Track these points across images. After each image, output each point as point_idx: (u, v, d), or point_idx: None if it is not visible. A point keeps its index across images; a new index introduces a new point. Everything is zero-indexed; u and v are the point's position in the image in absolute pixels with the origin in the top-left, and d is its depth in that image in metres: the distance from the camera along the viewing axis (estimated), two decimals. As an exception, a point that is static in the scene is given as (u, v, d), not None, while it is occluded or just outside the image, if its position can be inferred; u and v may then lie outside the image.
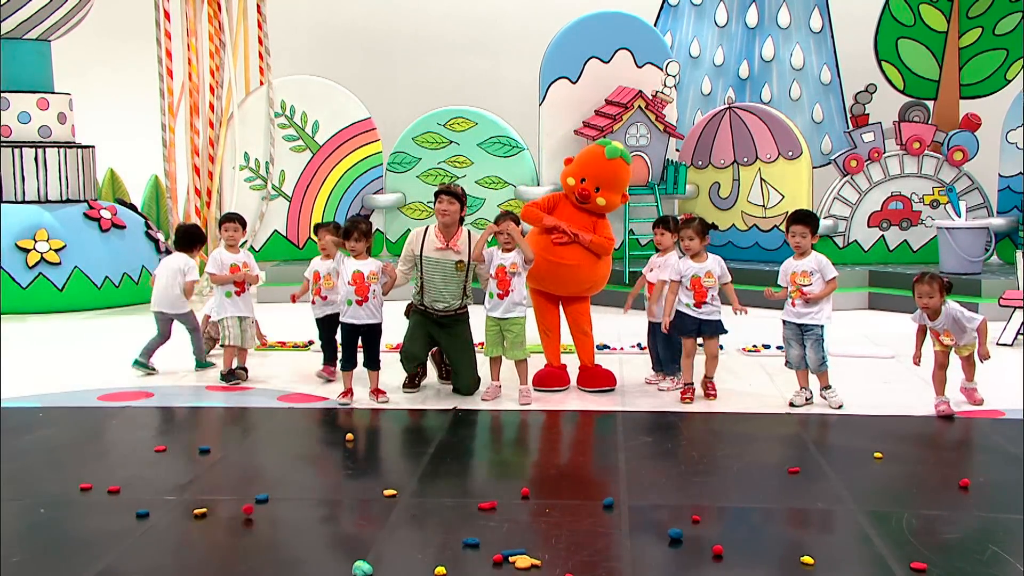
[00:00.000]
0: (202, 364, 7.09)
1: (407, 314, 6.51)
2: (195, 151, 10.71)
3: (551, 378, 6.41)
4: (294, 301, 6.84)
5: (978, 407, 5.93)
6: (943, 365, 5.87)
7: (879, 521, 4.08)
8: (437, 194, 6.29)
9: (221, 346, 6.85)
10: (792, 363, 6.07)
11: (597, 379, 6.37)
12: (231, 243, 6.81)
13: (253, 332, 6.76)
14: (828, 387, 6.02)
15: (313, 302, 6.73)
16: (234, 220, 6.90)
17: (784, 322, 6.09)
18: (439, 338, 6.35)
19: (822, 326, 5.94)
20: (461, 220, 6.31)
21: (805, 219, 6.02)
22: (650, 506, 4.31)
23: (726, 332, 6.25)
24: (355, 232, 6.11)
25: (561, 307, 6.54)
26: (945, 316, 5.78)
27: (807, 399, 6.02)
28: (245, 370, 6.71)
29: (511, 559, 3.64)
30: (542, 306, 6.51)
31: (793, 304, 6.00)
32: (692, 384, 6.18)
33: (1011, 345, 7.75)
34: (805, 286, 5.92)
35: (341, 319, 6.19)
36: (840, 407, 5.92)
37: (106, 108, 12.33)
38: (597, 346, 6.81)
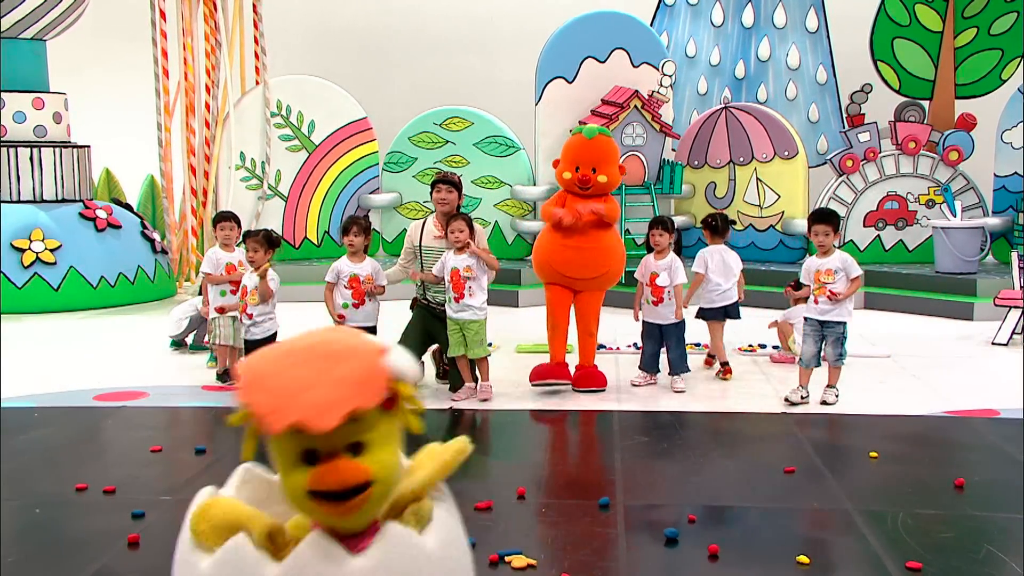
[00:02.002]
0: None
1: (412, 307, 6.52)
2: (191, 151, 10.70)
3: (552, 372, 6.34)
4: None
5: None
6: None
7: (874, 520, 4.09)
8: (435, 183, 6.35)
9: (211, 345, 6.85)
10: (804, 360, 6.06)
11: (589, 380, 6.35)
12: (227, 242, 6.81)
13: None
14: (833, 386, 6.03)
15: (241, 320, 6.21)
16: (230, 219, 6.91)
17: (806, 319, 6.09)
18: (437, 335, 6.34)
19: (845, 323, 5.96)
20: (458, 208, 6.35)
21: (827, 218, 6.00)
22: (646, 506, 4.31)
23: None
24: (354, 227, 6.13)
25: (572, 305, 6.49)
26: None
27: (803, 397, 6.03)
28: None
29: (507, 559, 3.65)
30: (555, 301, 6.41)
31: (816, 302, 5.98)
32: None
33: (1006, 345, 7.77)
34: (829, 284, 5.93)
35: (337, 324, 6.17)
36: (824, 403, 5.96)
37: (102, 108, 12.31)
38: (593, 346, 6.81)
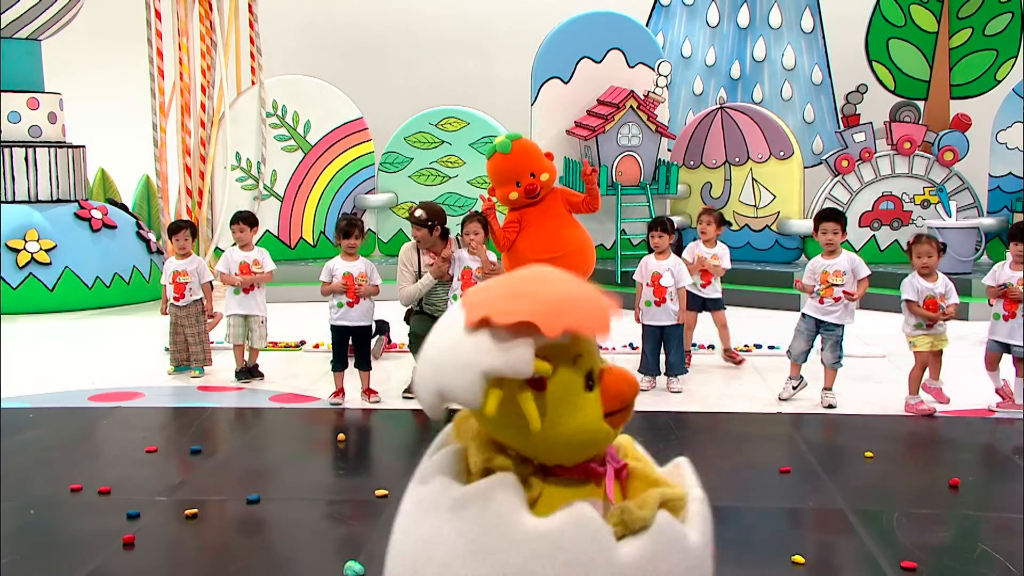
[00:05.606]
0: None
1: (407, 319, 6.50)
2: (186, 151, 10.69)
3: None
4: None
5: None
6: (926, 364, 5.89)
7: (869, 520, 4.09)
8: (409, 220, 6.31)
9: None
10: (793, 354, 6.06)
11: None
12: (244, 242, 6.76)
13: (262, 331, 6.70)
14: (829, 389, 6.00)
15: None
16: (238, 221, 6.83)
17: (803, 315, 6.05)
18: None
19: (843, 326, 5.92)
20: (444, 233, 6.25)
21: (835, 216, 5.93)
22: (641, 506, 4.31)
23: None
24: (355, 231, 6.13)
25: None
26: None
27: (795, 387, 6.04)
28: (256, 367, 6.70)
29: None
30: None
31: (821, 301, 5.92)
32: None
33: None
34: (838, 285, 5.89)
35: (332, 322, 6.15)
36: (830, 407, 5.93)
37: (97, 108, 12.29)
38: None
